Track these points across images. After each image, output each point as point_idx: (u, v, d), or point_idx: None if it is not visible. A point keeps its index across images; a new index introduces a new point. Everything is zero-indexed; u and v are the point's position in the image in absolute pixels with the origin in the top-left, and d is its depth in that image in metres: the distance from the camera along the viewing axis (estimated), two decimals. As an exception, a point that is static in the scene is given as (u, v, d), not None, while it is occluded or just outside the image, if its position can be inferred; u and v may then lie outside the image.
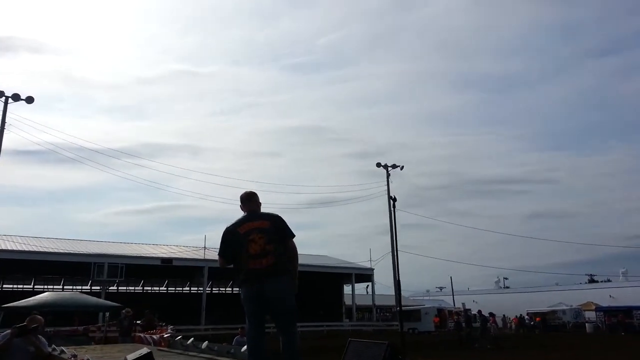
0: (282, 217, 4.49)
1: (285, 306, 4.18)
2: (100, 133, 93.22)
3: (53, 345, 6.65)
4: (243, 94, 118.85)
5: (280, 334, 4.17)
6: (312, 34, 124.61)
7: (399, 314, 5.30)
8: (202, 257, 37.27)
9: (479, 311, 30.07)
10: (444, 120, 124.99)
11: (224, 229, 4.46)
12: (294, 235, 4.43)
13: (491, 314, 33.02)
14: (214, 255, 38.83)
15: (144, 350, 3.99)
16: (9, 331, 5.78)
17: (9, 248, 31.46)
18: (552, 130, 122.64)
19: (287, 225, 4.43)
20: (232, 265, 4.35)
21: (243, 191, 4.65)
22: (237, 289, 4.08)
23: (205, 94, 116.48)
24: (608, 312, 42.26)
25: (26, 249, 32.19)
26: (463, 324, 29.22)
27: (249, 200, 4.60)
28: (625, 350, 20.56)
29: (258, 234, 4.25)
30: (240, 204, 4.62)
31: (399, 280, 4.66)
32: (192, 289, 46.67)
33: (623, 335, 33.91)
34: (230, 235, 4.37)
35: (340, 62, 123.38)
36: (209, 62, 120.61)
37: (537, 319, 44.65)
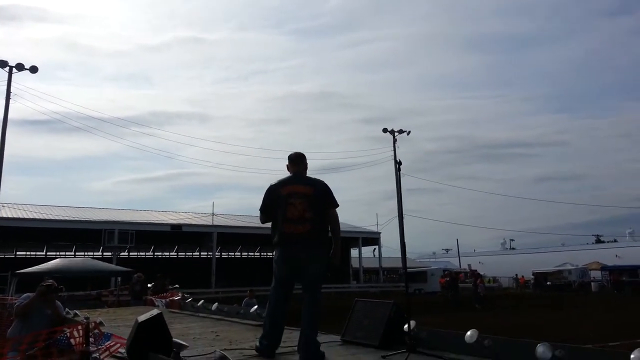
0: (327, 185, 4.40)
1: (314, 274, 4.17)
2: (106, 102, 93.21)
3: (67, 309, 6.82)
4: (251, 61, 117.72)
5: (305, 299, 4.17)
6: None
7: (405, 275, 5.36)
8: (211, 223, 37.68)
9: (472, 271, 30.42)
10: (453, 84, 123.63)
11: (268, 185, 4.41)
12: (337, 205, 4.35)
13: (478, 275, 33.54)
14: (222, 221, 39.55)
15: (155, 311, 4.09)
16: (28, 294, 5.92)
17: (21, 216, 31.93)
18: (562, 92, 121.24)
19: (331, 194, 4.34)
20: (270, 223, 4.35)
21: (293, 151, 4.56)
22: (272, 251, 4.48)
23: (212, 61, 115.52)
24: (613, 271, 42.56)
25: (38, 217, 32.66)
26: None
27: (298, 162, 4.50)
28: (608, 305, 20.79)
29: (299, 199, 4.19)
30: (287, 163, 4.54)
31: (404, 242, 4.68)
32: (201, 254, 47.40)
33: (623, 294, 34.23)
34: (272, 194, 4.33)
35: (348, 25, 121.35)
36: (215, 28, 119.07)
37: (546, 280, 45.09)
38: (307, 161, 4.58)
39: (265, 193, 4.39)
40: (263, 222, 4.42)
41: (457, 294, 27.42)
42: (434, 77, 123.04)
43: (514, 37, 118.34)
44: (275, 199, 4.26)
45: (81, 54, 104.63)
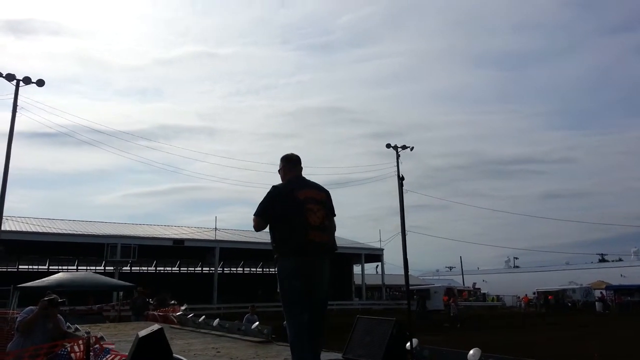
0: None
1: (328, 292, 3.81)
2: (117, 115, 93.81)
3: (68, 324, 6.80)
4: (261, 76, 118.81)
5: (313, 322, 3.58)
6: (331, 13, 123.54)
7: (407, 292, 5.31)
8: (214, 238, 37.63)
9: (447, 289, 30.86)
10: (462, 99, 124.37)
11: (270, 188, 3.88)
12: (335, 215, 4.02)
13: (453, 294, 33.52)
14: (225, 236, 39.49)
15: (155, 326, 4.08)
16: (31, 307, 5.90)
17: (24, 230, 31.97)
18: (571, 108, 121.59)
19: (332, 202, 4.04)
20: (266, 229, 3.85)
21: (289, 152, 4.16)
22: (276, 262, 3.75)
23: (223, 76, 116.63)
24: (618, 290, 42.18)
25: (40, 231, 32.69)
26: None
27: (299, 164, 4.11)
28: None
29: (317, 205, 3.78)
30: (282, 164, 4.08)
31: (406, 259, 4.61)
32: (203, 269, 47.25)
33: (628, 314, 33.89)
34: (284, 198, 3.78)
35: (359, 41, 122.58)
36: (227, 44, 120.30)
37: (550, 297, 44.70)
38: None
39: (271, 195, 3.81)
40: (259, 228, 3.80)
41: (424, 309, 27.83)
42: (443, 92, 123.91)
43: (523, 53, 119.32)
44: (290, 203, 3.74)
45: (95, 68, 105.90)
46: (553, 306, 42.08)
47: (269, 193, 3.84)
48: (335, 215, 4.01)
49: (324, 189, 4.03)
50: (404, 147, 39.28)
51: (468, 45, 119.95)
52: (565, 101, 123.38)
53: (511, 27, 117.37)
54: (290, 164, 4.07)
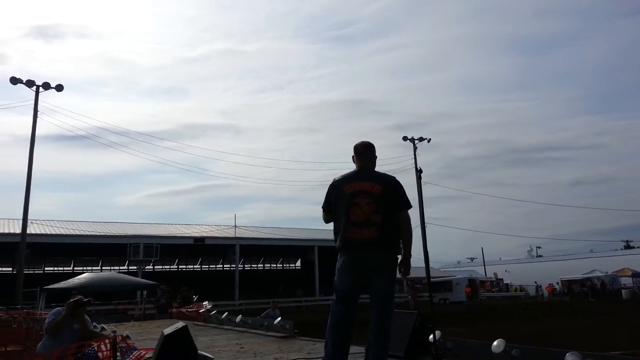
0: (399, 182, 3.82)
1: (382, 287, 3.64)
2: (143, 115, 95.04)
3: (94, 323, 6.93)
4: (285, 70, 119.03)
5: (372, 315, 3.62)
6: (356, 3, 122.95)
7: (429, 285, 5.28)
8: (234, 236, 37.92)
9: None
10: (487, 87, 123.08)
11: (329, 181, 3.90)
12: (409, 206, 3.78)
13: (414, 287, 33.38)
14: (244, 233, 39.77)
15: (180, 324, 4.13)
16: (58, 308, 6.03)
17: (49, 232, 32.62)
18: (593, 93, 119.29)
19: (403, 193, 3.77)
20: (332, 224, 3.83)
21: (359, 141, 4.01)
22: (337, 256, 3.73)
23: (249, 72, 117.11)
24: (645, 277, 41.42)
25: (65, 233, 33.32)
26: None
27: (364, 154, 3.94)
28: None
29: (366, 198, 3.63)
30: (353, 154, 3.98)
31: (427, 252, 4.57)
32: (224, 266, 47.68)
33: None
34: (335, 192, 3.80)
35: (381, 31, 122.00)
36: (252, 39, 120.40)
37: (574, 285, 44.06)
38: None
39: (328, 189, 3.87)
40: (326, 221, 3.89)
41: (415, 303, 28.45)
42: (467, 81, 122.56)
43: (548, 38, 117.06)
44: (338, 198, 3.73)
45: (121, 69, 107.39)
46: (578, 294, 41.50)
47: (328, 187, 3.89)
48: (402, 208, 3.74)
49: (386, 180, 3.78)
50: (421, 139, 39.05)
51: (489, 32, 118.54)
52: (586, 86, 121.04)
53: (530, 13, 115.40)
54: (356, 154, 3.96)
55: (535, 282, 51.10)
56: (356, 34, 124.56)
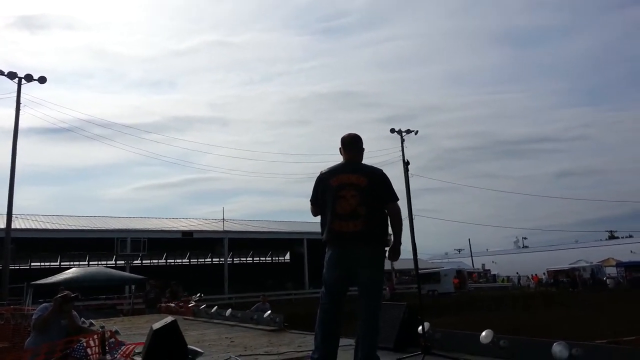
0: (385, 174, 3.82)
1: (370, 279, 3.64)
2: (130, 108, 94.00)
3: (82, 319, 6.88)
4: (274, 62, 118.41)
5: (359, 309, 3.64)
6: None
7: (417, 276, 5.32)
8: (222, 229, 37.83)
9: None
10: (475, 80, 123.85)
11: (315, 174, 3.95)
12: (397, 199, 3.79)
13: (391, 279, 33.67)
14: (233, 226, 39.66)
15: (169, 319, 4.12)
16: (45, 304, 5.98)
17: (35, 227, 32.27)
18: (580, 85, 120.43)
19: (389, 186, 3.79)
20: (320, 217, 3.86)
21: (346, 133, 3.99)
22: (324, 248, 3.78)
23: (237, 64, 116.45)
24: (629, 267, 42.04)
25: (51, 228, 32.99)
26: None
27: (350, 145, 3.93)
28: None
29: (351, 190, 3.64)
30: (340, 146, 3.96)
31: (415, 244, 4.60)
32: (213, 260, 47.57)
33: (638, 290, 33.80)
34: (322, 184, 3.81)
35: (372, 23, 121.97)
36: (241, 31, 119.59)
37: (560, 276, 44.64)
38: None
39: (315, 182, 3.89)
40: (314, 214, 3.92)
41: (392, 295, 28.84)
42: (456, 73, 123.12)
43: (536, 31, 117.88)
44: (324, 191, 3.76)
45: (108, 61, 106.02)
46: (564, 285, 42.06)
47: (316, 179, 3.90)
48: (390, 200, 3.76)
49: (371, 173, 3.78)
50: (408, 132, 39.17)
51: (478, 25, 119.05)
52: (574, 79, 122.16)
53: (519, 6, 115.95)
54: (343, 146, 3.95)
55: (517, 273, 51.76)
56: (346, 26, 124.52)
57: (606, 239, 68.97)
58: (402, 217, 3.84)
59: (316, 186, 3.87)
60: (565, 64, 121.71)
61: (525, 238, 78.57)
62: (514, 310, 21.55)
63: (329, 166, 3.92)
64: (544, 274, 48.21)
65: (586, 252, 54.27)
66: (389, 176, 3.85)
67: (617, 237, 69.11)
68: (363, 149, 4.00)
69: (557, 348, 3.28)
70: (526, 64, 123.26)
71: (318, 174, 3.92)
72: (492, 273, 56.88)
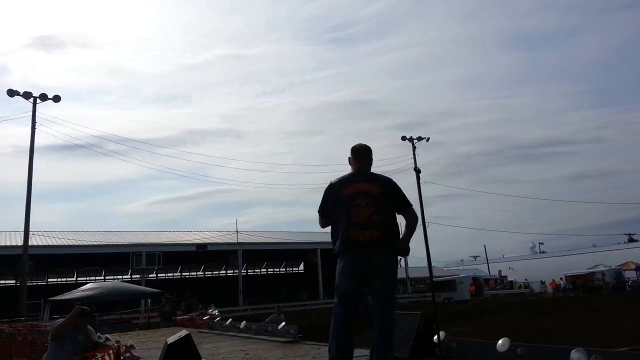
0: (396, 183, 3.85)
1: (385, 287, 3.64)
2: (145, 123, 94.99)
3: (98, 334, 6.92)
4: (286, 73, 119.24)
5: (374, 317, 3.63)
6: (356, 3, 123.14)
7: (432, 285, 5.27)
8: (236, 241, 37.90)
9: None
10: (488, 84, 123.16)
11: (327, 184, 3.90)
12: (411, 204, 3.83)
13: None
14: (247, 238, 39.72)
15: (183, 332, 4.12)
16: (60, 320, 6.03)
17: (51, 244, 32.62)
18: (593, 87, 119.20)
19: (402, 193, 3.80)
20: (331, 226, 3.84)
21: (357, 143, 4.01)
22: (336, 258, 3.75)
23: (250, 76, 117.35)
24: (649, 270, 41.30)
25: (67, 244, 33.32)
26: None
27: (361, 155, 3.95)
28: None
29: (365, 199, 3.63)
30: (349, 156, 3.99)
31: (429, 252, 4.56)
32: (227, 272, 47.63)
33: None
34: (332, 195, 3.79)
35: (383, 31, 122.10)
36: (254, 43, 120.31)
37: (578, 281, 43.89)
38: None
39: (325, 192, 3.86)
40: (323, 225, 3.90)
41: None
42: (467, 78, 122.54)
43: (547, 33, 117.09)
44: (337, 200, 3.73)
45: (123, 78, 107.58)
46: (582, 290, 41.40)
47: (325, 190, 3.88)
48: (403, 207, 3.78)
49: (383, 181, 3.80)
50: (419, 139, 39.05)
51: (487, 30, 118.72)
52: (586, 80, 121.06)
53: (527, 9, 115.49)
54: (353, 156, 3.97)
55: (543, 282, 50.88)
56: (356, 35, 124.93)
57: (625, 242, 67.81)
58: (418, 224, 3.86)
59: (325, 196, 3.86)
60: (576, 66, 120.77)
61: (542, 243, 77.52)
62: (532, 316, 21.23)
63: (338, 176, 3.89)
64: (561, 279, 47.48)
65: (605, 256, 53.33)
66: (401, 184, 3.86)
67: (637, 240, 67.89)
68: (372, 160, 4.01)
69: (576, 355, 3.22)
70: (537, 66, 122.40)
71: (327, 184, 3.89)
72: (508, 279, 56.23)
